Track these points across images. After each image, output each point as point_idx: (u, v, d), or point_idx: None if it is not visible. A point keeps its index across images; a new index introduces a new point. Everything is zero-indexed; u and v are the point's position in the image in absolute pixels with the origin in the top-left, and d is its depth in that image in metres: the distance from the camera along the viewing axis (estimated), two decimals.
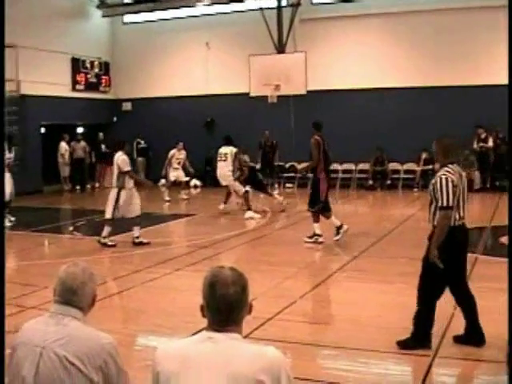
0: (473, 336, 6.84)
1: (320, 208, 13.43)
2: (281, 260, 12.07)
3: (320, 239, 13.45)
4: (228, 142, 18.10)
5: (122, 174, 13.26)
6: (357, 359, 6.74)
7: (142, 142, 27.51)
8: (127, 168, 13.29)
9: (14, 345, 3.55)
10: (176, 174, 21.22)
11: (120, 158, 13.33)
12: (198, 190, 24.84)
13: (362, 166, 25.17)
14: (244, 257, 13.26)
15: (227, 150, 17.86)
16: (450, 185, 6.49)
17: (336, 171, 24.14)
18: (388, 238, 14.05)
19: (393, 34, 24.49)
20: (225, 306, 3.07)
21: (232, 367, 2.93)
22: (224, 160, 17.78)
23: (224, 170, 17.80)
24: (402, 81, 23.95)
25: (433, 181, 6.73)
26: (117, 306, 8.87)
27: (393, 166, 24.71)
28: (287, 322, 8.02)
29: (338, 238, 13.43)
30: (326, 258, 12.68)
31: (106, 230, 13.39)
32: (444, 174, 6.58)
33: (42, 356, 3.38)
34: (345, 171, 25.12)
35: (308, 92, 23.34)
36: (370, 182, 24.80)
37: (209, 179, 25.61)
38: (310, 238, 13.53)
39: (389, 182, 24.70)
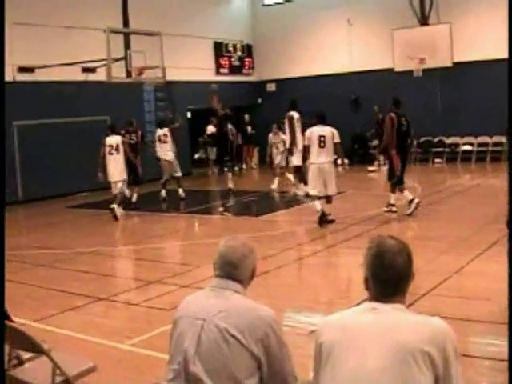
0: None
1: (395, 182, 13.89)
2: (434, 235, 11.78)
3: (394, 209, 13.93)
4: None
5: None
6: None
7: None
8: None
9: (176, 318, 3.58)
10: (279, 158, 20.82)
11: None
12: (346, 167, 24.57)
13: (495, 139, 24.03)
14: (395, 232, 13.04)
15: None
16: None
17: (472, 144, 23.89)
18: None
19: None
20: (393, 276, 2.96)
21: (396, 336, 2.81)
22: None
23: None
24: None
25: None
26: (270, 283, 8.88)
27: None
28: (442, 297, 7.80)
29: (409, 211, 13.67)
30: (483, 232, 12.19)
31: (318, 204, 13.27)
32: None
33: (203, 329, 3.38)
34: (480, 144, 24.24)
35: (454, 64, 22.67)
36: None
37: (356, 157, 25.42)
38: (387, 207, 14.07)
39: None
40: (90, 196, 20.39)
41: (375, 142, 23.08)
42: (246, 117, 27.62)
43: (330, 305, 7.79)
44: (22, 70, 19.58)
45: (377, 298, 2.99)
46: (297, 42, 28.38)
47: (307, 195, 15.28)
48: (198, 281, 8.74)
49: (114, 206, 15.94)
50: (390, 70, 24.11)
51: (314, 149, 12.92)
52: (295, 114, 17.43)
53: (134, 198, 17.54)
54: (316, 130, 13.05)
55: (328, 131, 13.03)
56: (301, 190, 17.32)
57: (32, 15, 19.60)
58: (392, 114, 13.99)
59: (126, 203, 16.92)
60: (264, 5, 29.92)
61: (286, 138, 17.87)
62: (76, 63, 19.88)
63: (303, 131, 14.62)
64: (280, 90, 29.01)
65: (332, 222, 13.08)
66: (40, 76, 19.87)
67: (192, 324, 3.44)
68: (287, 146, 17.75)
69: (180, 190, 18.31)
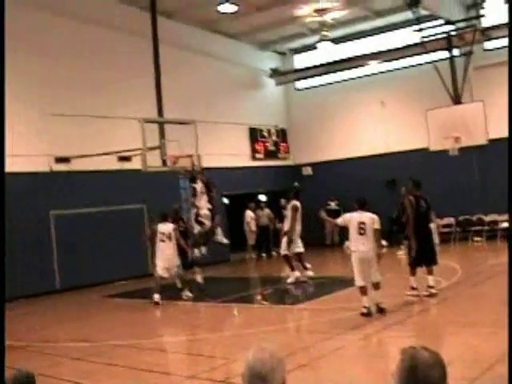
0: None
1: (411, 263, 14.05)
2: (473, 320, 11.42)
3: (415, 292, 13.82)
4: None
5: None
6: None
7: (333, 203, 27.52)
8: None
9: None
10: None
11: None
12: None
13: None
14: (436, 317, 12.73)
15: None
16: None
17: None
18: None
19: None
20: None
21: None
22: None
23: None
24: None
25: None
26: (308, 377, 8.62)
27: None
28: None
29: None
30: None
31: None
32: None
33: None
34: None
35: (489, 140, 22.53)
36: None
37: (394, 239, 25.14)
38: (409, 291, 13.96)
39: None
40: (127, 285, 20.34)
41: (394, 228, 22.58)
42: (283, 201, 27.56)
43: None
44: (59, 160, 19.84)
45: None
46: (331, 124, 28.57)
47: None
48: (234, 375, 8.51)
49: (185, 292, 16.62)
50: (425, 150, 24.02)
51: (353, 236, 12.49)
52: (299, 204, 17.96)
53: (200, 279, 17.48)
54: (356, 217, 12.53)
55: (368, 217, 12.50)
56: (292, 277, 17.81)
57: (68, 106, 19.95)
58: (410, 197, 14.16)
59: (199, 289, 17.19)
60: (297, 89, 30.23)
61: (285, 225, 18.16)
62: (112, 153, 20.11)
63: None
64: (316, 173, 29.07)
65: (383, 311, 12.30)
66: (76, 166, 20.10)
67: None
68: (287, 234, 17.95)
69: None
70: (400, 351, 2.93)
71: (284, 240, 17.94)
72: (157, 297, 16.21)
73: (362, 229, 12.37)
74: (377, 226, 12.50)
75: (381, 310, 12.29)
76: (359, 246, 12.38)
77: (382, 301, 12.42)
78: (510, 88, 6.31)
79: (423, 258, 13.98)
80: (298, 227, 17.81)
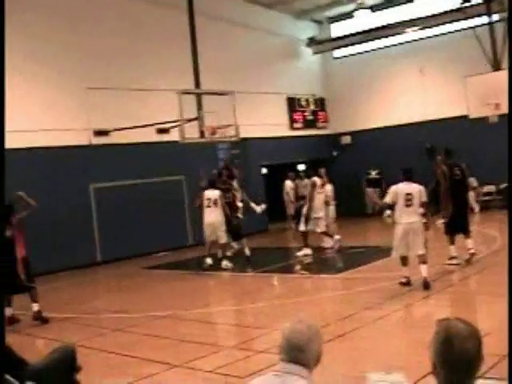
0: None
1: (448, 231, 14.14)
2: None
3: (454, 261, 13.82)
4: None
5: None
6: None
7: (374, 172, 27.38)
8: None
9: None
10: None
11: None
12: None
13: None
14: (475, 288, 12.65)
15: None
16: None
17: None
18: None
19: None
20: (464, 363, 2.77)
21: None
22: None
23: None
24: None
25: None
26: (345, 347, 8.62)
27: None
28: None
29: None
30: None
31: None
32: None
33: None
34: None
35: None
36: None
37: (434, 208, 24.94)
38: (449, 259, 13.94)
39: None
40: (167, 256, 20.50)
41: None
42: (322, 170, 27.46)
43: (407, 369, 7.49)
44: (98, 133, 19.97)
45: None
46: (369, 93, 28.33)
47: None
48: (273, 346, 8.54)
49: (224, 261, 16.87)
50: (464, 117, 23.72)
51: (400, 207, 12.03)
52: (318, 181, 18.13)
53: (247, 251, 17.60)
54: (402, 188, 12.07)
55: (416, 189, 12.08)
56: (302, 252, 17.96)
57: (105, 80, 20.04)
58: (443, 166, 14.14)
59: (246, 260, 17.41)
60: (335, 58, 30.00)
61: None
62: (150, 125, 20.19)
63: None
64: (355, 142, 28.92)
65: (428, 287, 11.75)
66: (115, 139, 20.23)
67: None
68: (304, 211, 18.09)
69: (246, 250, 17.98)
70: (435, 323, 2.91)
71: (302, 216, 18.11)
72: (209, 261, 16.79)
73: (408, 200, 11.96)
74: (424, 198, 12.16)
75: (426, 285, 11.76)
76: (405, 218, 11.97)
77: (428, 275, 12.01)
78: (510, 84, 6.20)
79: (459, 225, 13.98)
80: (319, 203, 17.93)
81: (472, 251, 13.76)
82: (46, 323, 11.91)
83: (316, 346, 3.46)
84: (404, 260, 12.17)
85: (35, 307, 12.06)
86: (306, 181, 25.73)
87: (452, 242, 13.97)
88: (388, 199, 12.25)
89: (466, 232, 14.01)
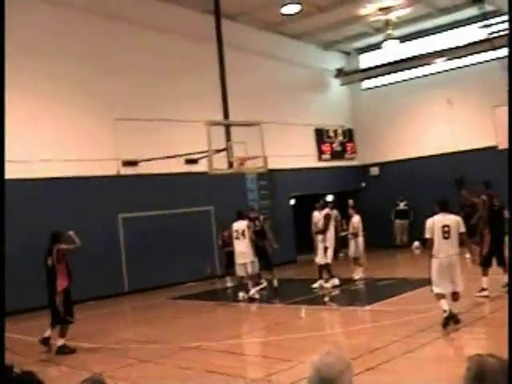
0: None
1: (483, 263, 13.90)
2: None
3: (484, 293, 13.61)
4: None
5: None
6: None
7: (402, 204, 27.28)
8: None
9: None
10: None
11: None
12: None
13: None
14: (506, 321, 12.44)
15: None
16: None
17: None
18: None
19: None
20: None
21: None
22: None
23: None
24: None
25: None
26: (375, 380, 8.52)
27: None
28: None
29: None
30: None
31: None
32: None
33: None
34: None
35: None
36: None
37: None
38: (479, 291, 13.70)
39: None
40: (194, 287, 20.46)
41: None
42: (350, 201, 27.40)
43: None
44: (126, 163, 20.10)
45: None
46: (398, 124, 28.29)
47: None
48: (301, 378, 8.45)
49: (250, 292, 16.92)
50: (493, 148, 23.57)
51: (438, 241, 11.63)
52: (332, 213, 18.75)
53: (276, 282, 17.78)
54: (439, 220, 11.73)
55: (453, 220, 11.76)
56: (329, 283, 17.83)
57: (135, 111, 20.20)
58: (483, 196, 14.23)
59: (270, 290, 17.63)
60: (362, 89, 30.02)
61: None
62: (178, 156, 20.27)
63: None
64: (383, 173, 28.83)
65: (458, 321, 11.44)
66: (143, 169, 20.33)
67: None
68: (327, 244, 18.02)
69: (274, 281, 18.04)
70: (466, 359, 2.85)
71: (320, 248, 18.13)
72: (241, 295, 16.89)
73: (446, 232, 11.61)
74: (462, 229, 11.78)
75: (457, 321, 11.40)
76: (443, 252, 11.60)
77: (460, 311, 11.72)
78: (510, 90, 6.13)
79: (495, 257, 13.86)
80: (330, 236, 18.06)
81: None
82: (73, 353, 11.91)
83: (347, 379, 3.39)
84: (439, 295, 11.61)
85: (60, 342, 12.08)
86: (334, 211, 25.53)
87: (485, 274, 13.75)
88: (428, 235, 11.79)
89: (504, 264, 13.76)
